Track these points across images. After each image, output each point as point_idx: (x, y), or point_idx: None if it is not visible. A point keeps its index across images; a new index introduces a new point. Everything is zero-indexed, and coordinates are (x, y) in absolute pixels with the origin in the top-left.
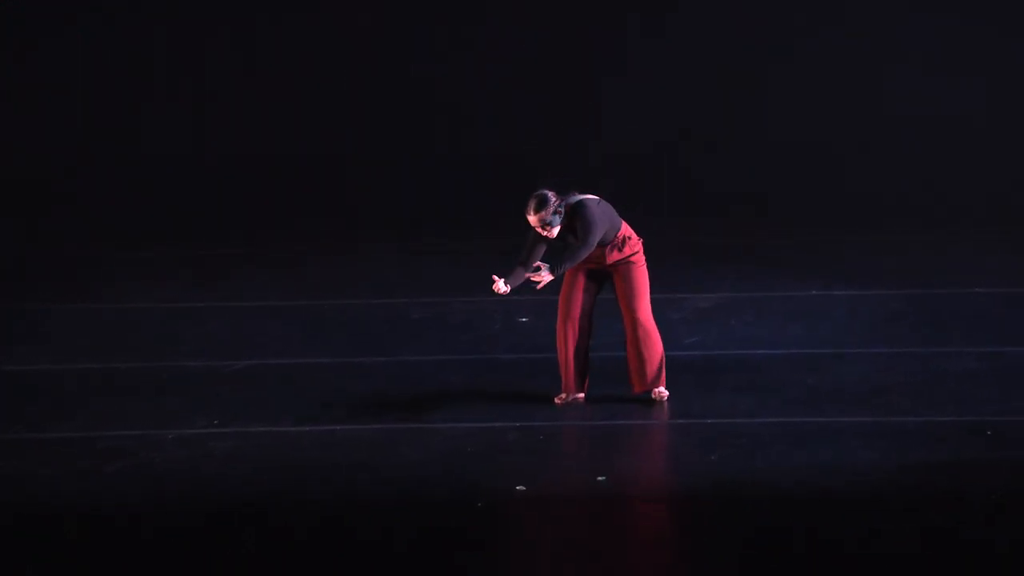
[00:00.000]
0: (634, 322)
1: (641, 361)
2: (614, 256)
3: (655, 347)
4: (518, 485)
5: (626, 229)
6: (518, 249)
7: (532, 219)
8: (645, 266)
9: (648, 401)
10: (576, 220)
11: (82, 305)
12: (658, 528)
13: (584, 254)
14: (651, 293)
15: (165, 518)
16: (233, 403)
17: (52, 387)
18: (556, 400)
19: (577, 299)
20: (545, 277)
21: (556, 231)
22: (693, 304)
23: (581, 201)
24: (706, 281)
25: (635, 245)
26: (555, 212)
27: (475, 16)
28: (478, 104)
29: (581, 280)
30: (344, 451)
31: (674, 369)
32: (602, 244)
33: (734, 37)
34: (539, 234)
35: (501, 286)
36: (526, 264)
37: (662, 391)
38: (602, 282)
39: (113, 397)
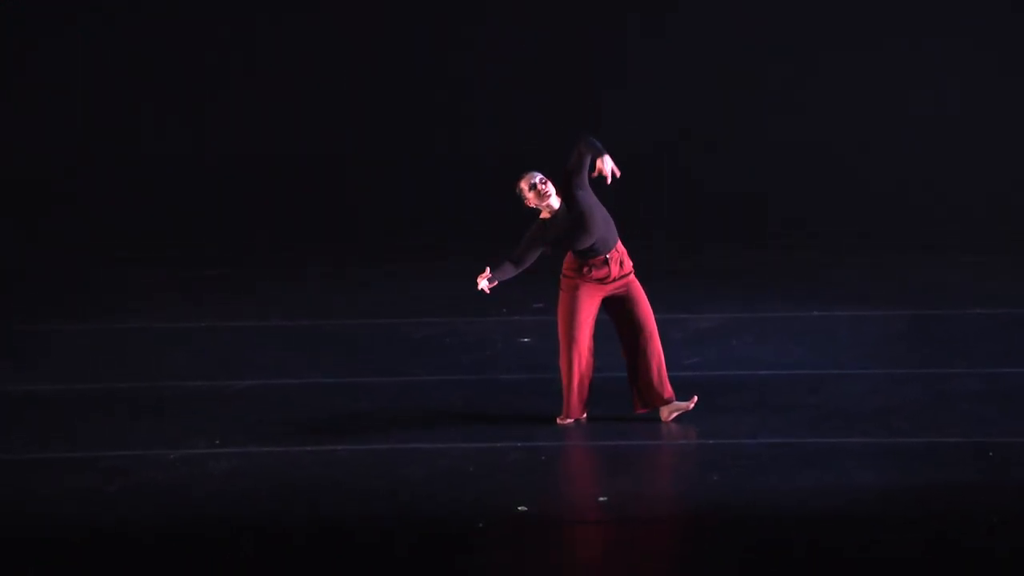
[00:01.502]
0: (651, 338)
1: (661, 377)
2: (616, 271)
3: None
4: (520, 505)
5: (619, 244)
6: (520, 275)
7: (523, 185)
8: None
9: (649, 420)
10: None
11: (82, 325)
12: (659, 548)
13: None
14: (656, 312)
15: (167, 537)
16: (235, 423)
17: (53, 407)
18: (558, 421)
19: (583, 324)
20: (607, 164)
21: (551, 195)
22: (694, 324)
23: None
24: (707, 301)
25: (629, 262)
26: (543, 181)
27: (475, 16)
28: (478, 104)
29: (585, 305)
30: (345, 471)
31: (676, 389)
32: (606, 250)
33: (734, 37)
34: (535, 233)
35: (484, 284)
36: (517, 262)
37: (690, 403)
38: (600, 306)
39: (114, 417)
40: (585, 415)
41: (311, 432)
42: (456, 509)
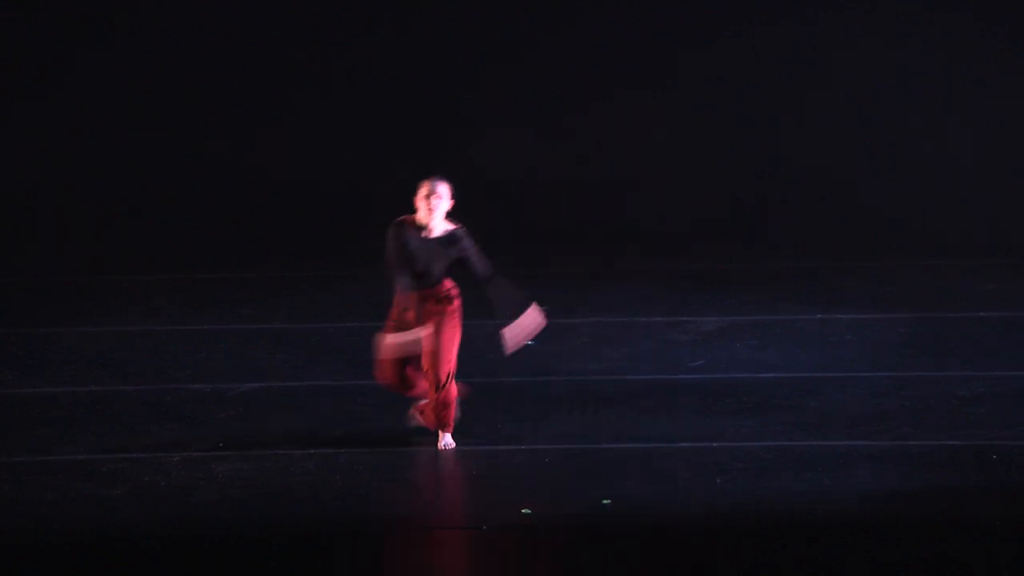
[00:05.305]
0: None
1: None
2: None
3: None
4: (523, 508)
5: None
6: (522, 278)
7: (436, 185)
8: None
9: (652, 424)
10: (463, 242)
11: (84, 329)
12: (662, 551)
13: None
14: (659, 316)
15: (169, 541)
16: (237, 426)
17: (55, 411)
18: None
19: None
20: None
21: (442, 208)
22: (697, 327)
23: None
24: (710, 305)
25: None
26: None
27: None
28: (489, 128)
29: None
30: (348, 474)
31: (679, 392)
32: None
33: (737, 62)
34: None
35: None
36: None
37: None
38: None
39: (116, 420)
40: None
41: (313, 435)
42: (460, 512)
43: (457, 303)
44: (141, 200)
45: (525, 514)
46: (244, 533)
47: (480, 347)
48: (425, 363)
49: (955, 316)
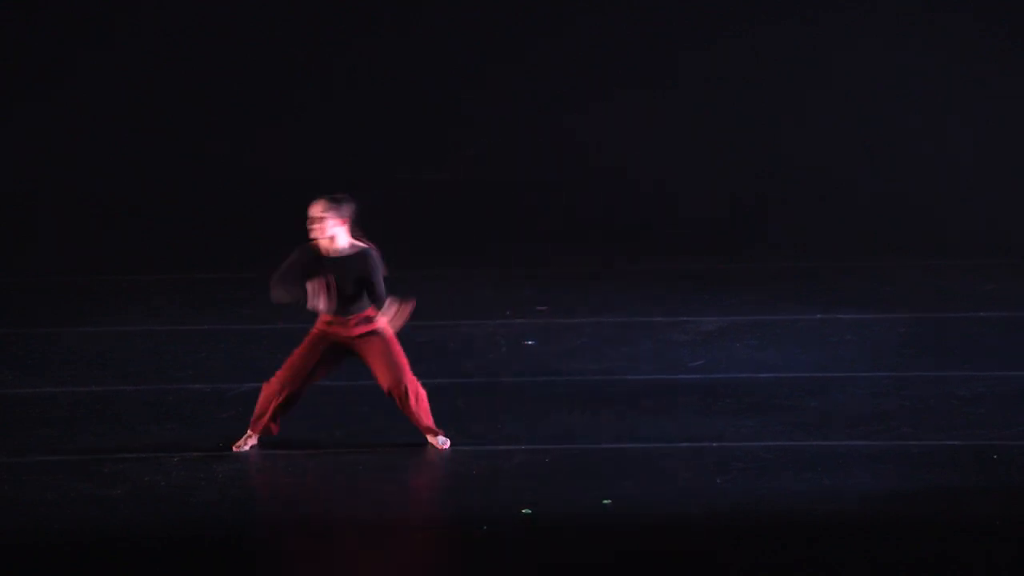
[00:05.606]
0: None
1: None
2: (360, 328)
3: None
4: (523, 508)
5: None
6: (522, 278)
7: (317, 207)
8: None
9: (654, 424)
10: (368, 262)
11: (84, 329)
12: (662, 551)
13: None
14: (659, 315)
15: (170, 541)
16: (236, 426)
17: (55, 411)
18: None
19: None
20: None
21: (331, 230)
22: (697, 327)
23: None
24: (710, 305)
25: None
26: (345, 215)
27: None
28: (485, 130)
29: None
30: (348, 474)
31: (679, 392)
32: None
33: (737, 62)
34: (300, 255)
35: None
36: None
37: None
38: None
39: (116, 420)
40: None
41: (313, 435)
42: (460, 512)
43: (381, 321)
44: (141, 200)
45: (525, 514)
46: (244, 533)
47: (481, 347)
48: (386, 384)
49: (955, 316)
